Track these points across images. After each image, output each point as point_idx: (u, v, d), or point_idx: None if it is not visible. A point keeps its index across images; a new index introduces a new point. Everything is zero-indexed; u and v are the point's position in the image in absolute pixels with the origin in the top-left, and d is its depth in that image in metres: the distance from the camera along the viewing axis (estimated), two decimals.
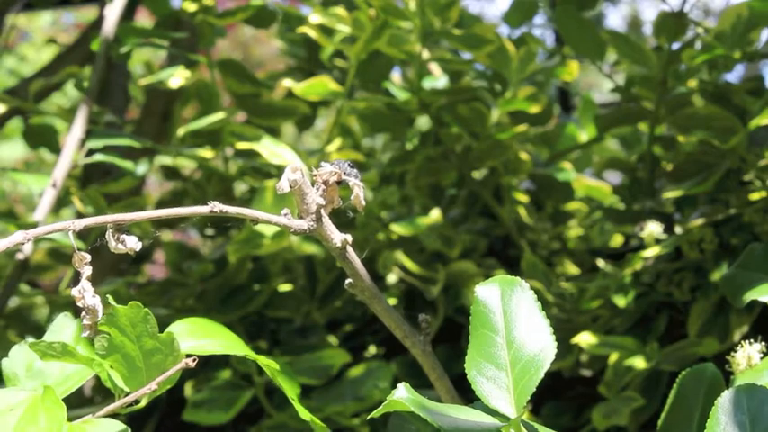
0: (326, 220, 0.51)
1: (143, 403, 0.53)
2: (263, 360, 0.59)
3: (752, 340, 0.66)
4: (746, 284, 0.78)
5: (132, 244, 0.50)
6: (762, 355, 0.65)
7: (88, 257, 0.50)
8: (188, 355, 0.53)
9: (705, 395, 0.59)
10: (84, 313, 0.50)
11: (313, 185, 0.51)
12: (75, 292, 0.50)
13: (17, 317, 1.14)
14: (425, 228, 1.04)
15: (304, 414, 0.57)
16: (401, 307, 1.04)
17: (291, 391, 0.60)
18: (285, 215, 0.51)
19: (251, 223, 0.51)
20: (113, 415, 0.53)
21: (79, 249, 0.50)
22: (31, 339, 1.08)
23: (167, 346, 0.52)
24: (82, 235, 1.18)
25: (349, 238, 0.52)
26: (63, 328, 0.60)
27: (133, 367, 0.52)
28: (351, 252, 0.53)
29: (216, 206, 0.50)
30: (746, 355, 0.65)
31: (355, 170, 0.52)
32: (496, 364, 0.49)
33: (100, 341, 0.51)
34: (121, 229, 0.50)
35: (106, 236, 0.50)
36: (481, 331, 0.51)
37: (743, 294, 0.79)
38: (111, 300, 0.51)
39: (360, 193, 0.51)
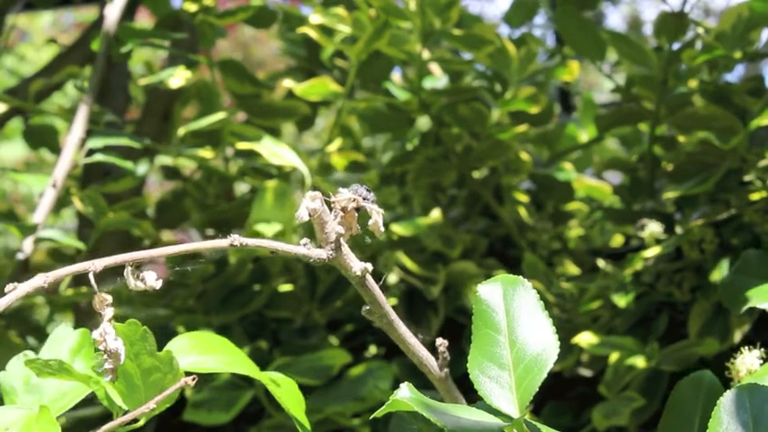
0: (346, 249, 0.51)
1: (142, 422, 0.53)
2: (267, 378, 0.59)
3: (751, 346, 0.66)
4: (744, 291, 0.78)
5: (152, 281, 0.49)
6: (761, 361, 0.65)
7: (109, 299, 0.49)
8: (188, 373, 0.52)
9: (704, 402, 0.58)
10: (105, 357, 0.49)
11: (331, 211, 0.50)
12: (96, 335, 0.49)
13: (17, 317, 1.14)
14: (426, 228, 1.03)
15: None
16: (402, 307, 1.04)
17: (296, 409, 0.59)
18: (305, 245, 0.50)
19: (270, 253, 0.51)
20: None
21: (100, 291, 0.49)
22: (31, 340, 1.08)
23: (166, 365, 0.52)
24: (83, 236, 1.17)
25: (369, 266, 0.52)
26: (62, 341, 0.58)
27: (131, 385, 0.52)
28: (370, 280, 0.53)
29: (236, 240, 0.49)
30: (746, 361, 0.65)
31: (372, 194, 0.51)
32: (499, 364, 0.49)
33: (97, 359, 0.51)
34: (141, 266, 0.49)
35: (125, 274, 0.48)
36: (484, 331, 0.51)
37: (741, 301, 0.79)
38: (115, 320, 0.50)
39: (378, 219, 0.51)
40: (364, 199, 0.50)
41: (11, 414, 0.50)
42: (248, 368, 0.60)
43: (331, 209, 0.50)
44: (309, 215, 0.49)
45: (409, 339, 0.56)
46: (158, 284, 0.49)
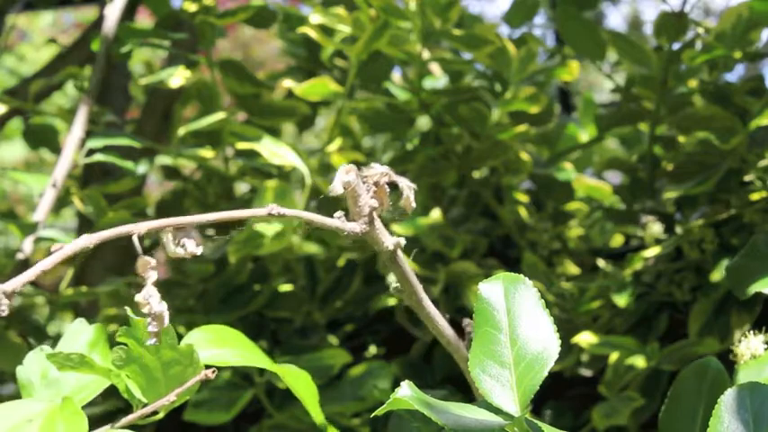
0: (378, 223, 0.50)
1: (161, 414, 0.53)
2: (281, 370, 0.59)
3: (756, 331, 0.66)
4: (751, 276, 0.78)
5: (193, 248, 0.48)
6: (766, 346, 0.65)
7: (153, 262, 0.48)
8: (207, 366, 0.52)
9: (708, 390, 0.58)
10: (150, 320, 0.48)
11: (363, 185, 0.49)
12: (139, 297, 0.48)
13: (17, 317, 1.14)
14: (426, 228, 1.03)
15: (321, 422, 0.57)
16: (401, 307, 1.04)
17: (310, 400, 0.59)
18: (339, 218, 0.50)
19: (306, 226, 0.50)
20: (132, 426, 0.52)
21: (145, 253, 0.48)
22: (31, 340, 1.08)
23: (187, 358, 0.52)
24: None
25: (402, 241, 0.51)
26: (78, 335, 0.58)
27: (151, 378, 0.52)
28: (401, 255, 0.52)
29: (274, 209, 0.48)
30: (749, 346, 0.64)
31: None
32: (500, 363, 0.49)
33: (117, 352, 0.50)
34: (182, 232, 0.48)
35: (164, 240, 0.47)
36: (485, 329, 0.50)
37: (747, 286, 0.79)
38: (130, 312, 0.50)
39: (410, 194, 0.50)
40: (396, 174, 0.50)
41: (34, 406, 0.49)
42: (264, 361, 0.60)
43: (363, 183, 0.49)
44: (344, 188, 0.48)
45: (437, 319, 0.55)
46: (199, 250, 0.48)
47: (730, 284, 0.80)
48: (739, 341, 0.65)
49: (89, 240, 0.46)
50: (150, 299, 0.48)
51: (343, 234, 0.49)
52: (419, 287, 0.54)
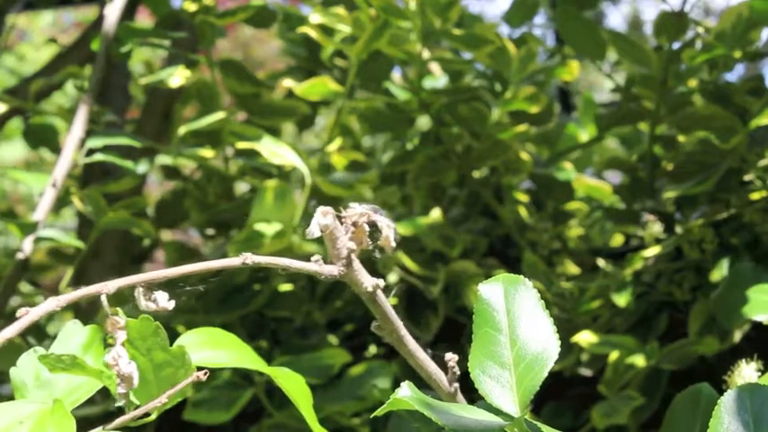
0: (357, 264, 0.50)
1: (153, 416, 0.53)
2: (276, 373, 0.59)
3: (749, 359, 0.66)
4: (738, 304, 0.78)
5: (164, 302, 0.48)
6: (759, 373, 0.65)
7: (123, 322, 0.48)
8: (199, 368, 0.52)
9: (702, 416, 0.58)
10: (119, 381, 0.48)
11: (342, 226, 0.49)
12: (108, 359, 0.48)
13: (17, 317, 1.13)
14: (426, 227, 1.03)
15: (315, 427, 0.57)
16: (401, 307, 1.04)
17: (304, 404, 0.59)
18: (316, 261, 0.50)
19: (281, 271, 0.50)
20: (126, 428, 0.52)
21: (113, 314, 0.48)
22: (31, 340, 1.08)
23: (178, 359, 0.52)
24: (83, 236, 1.17)
25: (381, 282, 0.51)
26: (71, 337, 0.58)
27: (143, 380, 0.51)
28: (380, 295, 0.52)
29: (249, 258, 0.49)
30: (743, 374, 0.64)
31: (382, 211, 0.51)
32: (500, 363, 0.49)
33: (109, 353, 0.51)
34: (153, 287, 0.48)
35: (135, 294, 0.48)
36: (484, 330, 0.50)
37: (735, 315, 0.79)
38: (121, 313, 0.50)
39: (390, 234, 0.50)
40: (375, 212, 0.50)
41: (25, 408, 0.49)
42: (257, 363, 0.61)
43: (342, 224, 0.50)
44: (321, 231, 0.48)
45: (418, 354, 0.55)
46: (171, 305, 0.48)
47: (717, 314, 0.81)
48: (732, 371, 0.65)
49: (57, 303, 0.46)
50: (119, 360, 0.48)
51: (321, 277, 0.50)
52: (400, 324, 0.54)
